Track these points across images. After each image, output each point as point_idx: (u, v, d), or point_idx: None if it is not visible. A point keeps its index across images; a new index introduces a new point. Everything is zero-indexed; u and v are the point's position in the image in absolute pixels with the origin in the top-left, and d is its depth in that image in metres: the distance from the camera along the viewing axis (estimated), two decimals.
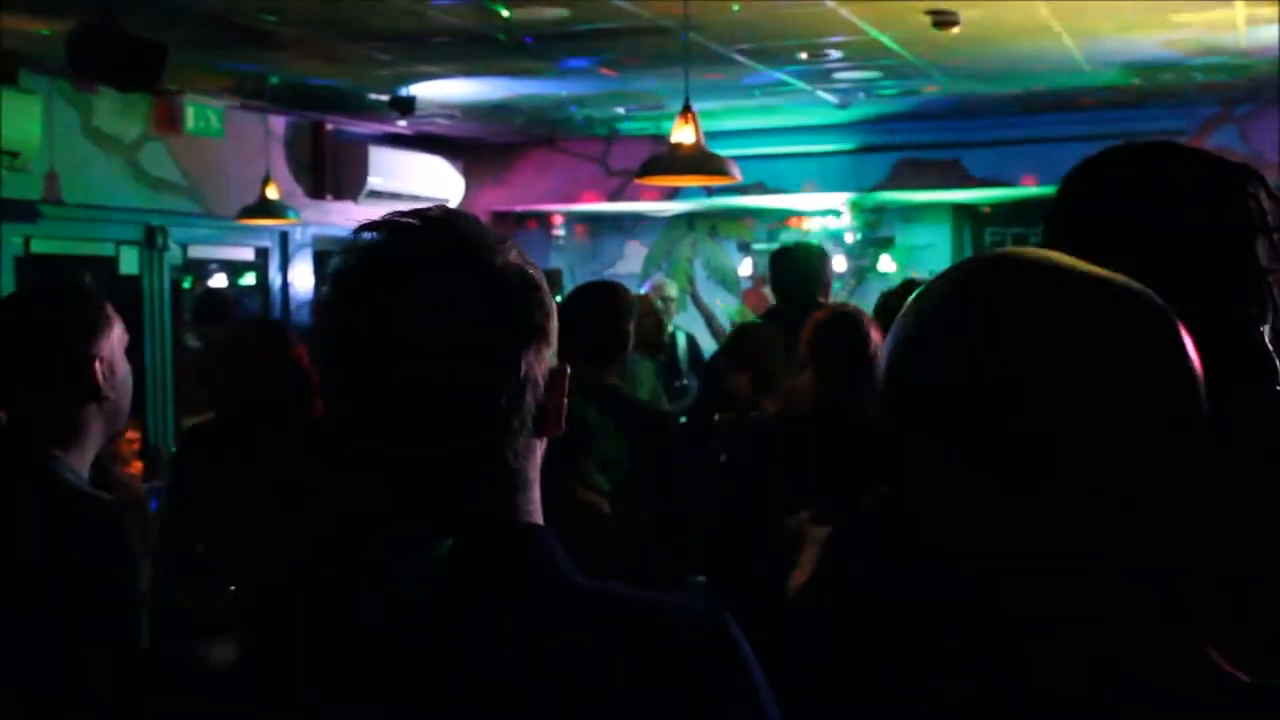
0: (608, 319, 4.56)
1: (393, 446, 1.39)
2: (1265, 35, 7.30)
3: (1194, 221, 1.76)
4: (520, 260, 1.43)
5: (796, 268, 6.36)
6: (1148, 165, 1.84)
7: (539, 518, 1.45)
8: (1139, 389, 1.09)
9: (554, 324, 1.45)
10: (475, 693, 1.33)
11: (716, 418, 5.83)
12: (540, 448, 1.46)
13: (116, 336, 2.56)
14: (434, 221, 1.45)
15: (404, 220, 1.45)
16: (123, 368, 2.58)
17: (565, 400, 1.46)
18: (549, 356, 1.44)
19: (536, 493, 1.45)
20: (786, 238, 12.67)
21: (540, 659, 1.33)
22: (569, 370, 1.47)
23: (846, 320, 4.34)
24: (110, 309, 2.59)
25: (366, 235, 1.45)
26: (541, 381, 1.42)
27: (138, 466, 6.88)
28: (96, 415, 2.53)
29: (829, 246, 12.14)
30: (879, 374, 1.18)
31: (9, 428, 2.51)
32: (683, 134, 5.74)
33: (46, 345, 2.51)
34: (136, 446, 7.35)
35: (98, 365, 2.50)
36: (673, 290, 9.67)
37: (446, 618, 1.36)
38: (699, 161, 5.82)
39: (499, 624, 1.35)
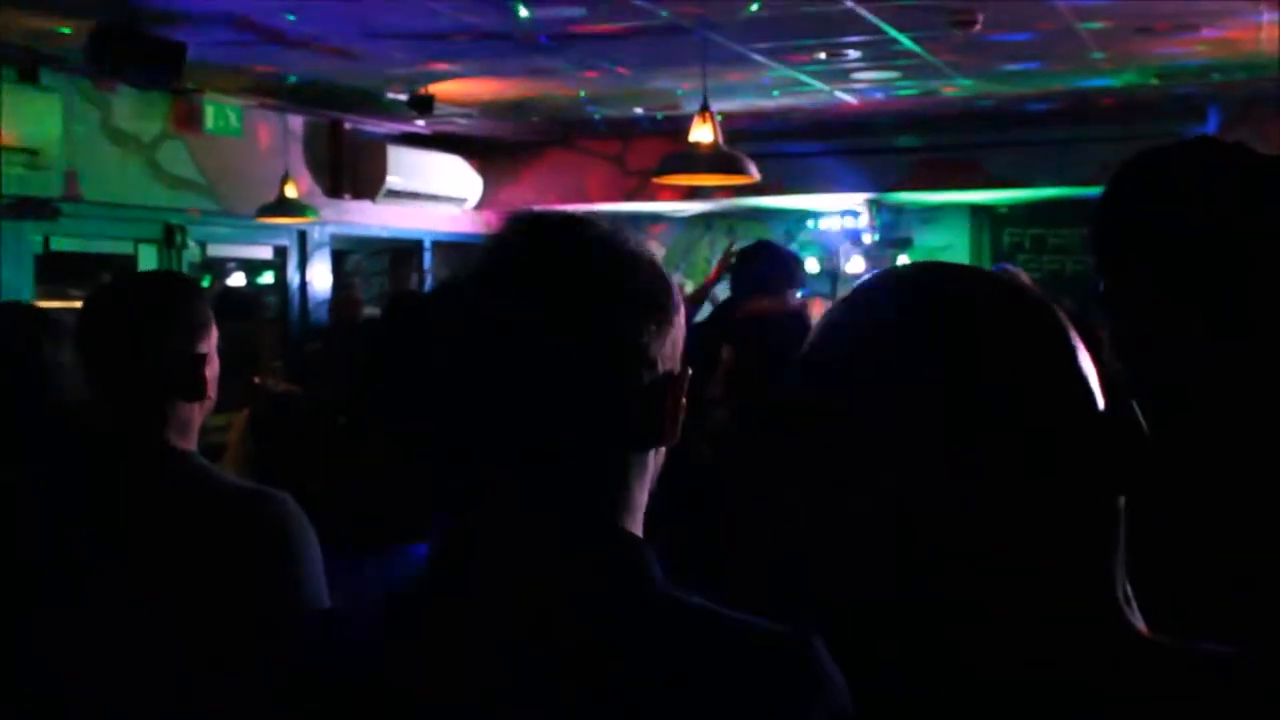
0: None
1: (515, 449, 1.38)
2: None
3: (1222, 218, 1.77)
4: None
5: (765, 266, 6.12)
6: (1192, 161, 1.85)
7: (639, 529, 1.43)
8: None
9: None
10: (547, 687, 1.32)
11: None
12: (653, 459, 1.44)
13: (215, 334, 2.53)
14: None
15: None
16: (216, 364, 2.54)
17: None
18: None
19: (643, 502, 1.44)
20: (803, 238, 12.67)
21: (623, 675, 1.31)
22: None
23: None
24: (210, 308, 2.56)
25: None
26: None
27: None
28: (199, 412, 2.51)
29: (847, 247, 12.17)
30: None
31: (126, 422, 2.47)
32: (701, 133, 5.74)
33: (160, 345, 2.45)
34: None
35: (205, 366, 2.48)
36: (690, 290, 9.65)
37: (532, 627, 1.34)
38: (717, 161, 5.82)
39: (587, 636, 1.33)
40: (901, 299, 1.21)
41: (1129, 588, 1.18)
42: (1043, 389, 1.14)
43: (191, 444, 2.50)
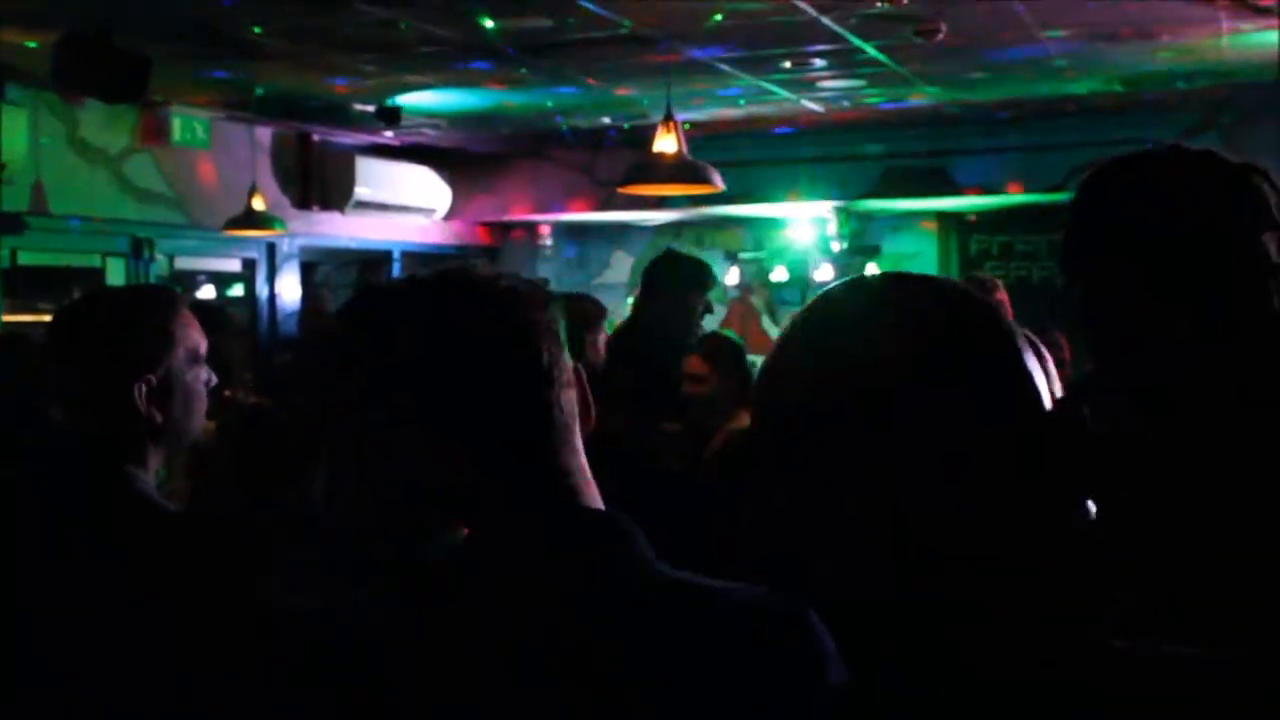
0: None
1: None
2: (1248, 44, 7.34)
3: (1207, 220, 1.79)
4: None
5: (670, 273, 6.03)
6: (1160, 168, 1.87)
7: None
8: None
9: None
10: (549, 679, 1.36)
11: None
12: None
13: (180, 354, 2.52)
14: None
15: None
16: (185, 386, 2.53)
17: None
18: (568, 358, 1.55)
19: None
20: (772, 246, 12.71)
21: (616, 648, 1.36)
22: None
23: None
24: (178, 324, 2.53)
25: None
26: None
27: None
28: (150, 441, 2.50)
29: (815, 255, 12.21)
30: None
31: (88, 443, 2.50)
32: (665, 143, 5.76)
33: (89, 371, 2.48)
34: None
35: (139, 391, 2.47)
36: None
37: (526, 604, 1.40)
38: (682, 171, 5.83)
39: (581, 612, 1.39)
40: (860, 307, 1.24)
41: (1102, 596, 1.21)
42: (993, 392, 1.16)
43: (145, 465, 2.51)
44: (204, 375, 2.57)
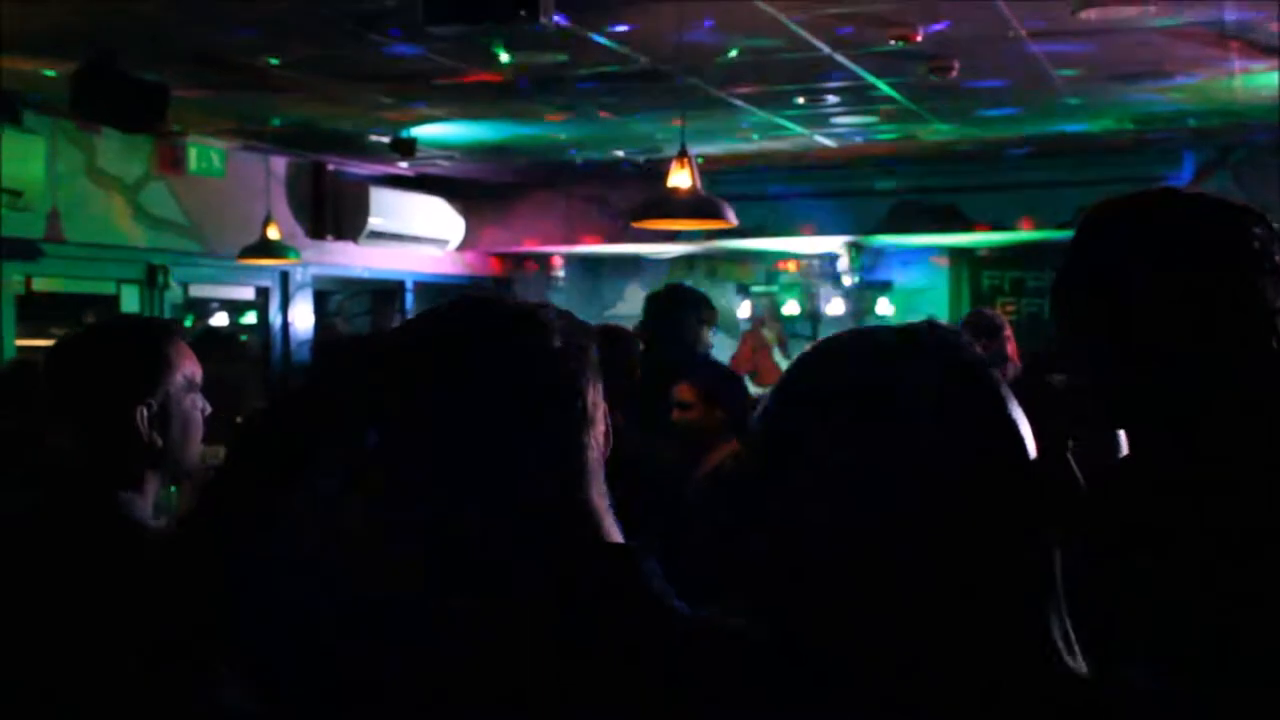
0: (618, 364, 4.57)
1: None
2: (1258, 84, 7.37)
3: (1206, 265, 1.80)
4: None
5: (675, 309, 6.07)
6: (1157, 212, 1.88)
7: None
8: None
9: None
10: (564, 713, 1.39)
11: None
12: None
13: (178, 380, 2.55)
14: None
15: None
16: (184, 412, 2.56)
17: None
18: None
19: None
20: (785, 280, 12.74)
21: (634, 683, 1.39)
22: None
23: None
24: (175, 349, 2.57)
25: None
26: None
27: None
28: (150, 466, 2.53)
29: (827, 289, 12.23)
30: None
31: (81, 469, 2.53)
32: (679, 178, 5.77)
33: (89, 396, 2.52)
34: None
35: (141, 414, 2.49)
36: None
37: (549, 640, 1.43)
38: (695, 206, 5.85)
39: (600, 648, 1.42)
40: (849, 356, 1.27)
41: (1069, 630, 1.22)
42: (974, 437, 1.19)
43: (143, 493, 2.53)
44: (200, 403, 2.60)
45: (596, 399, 1.55)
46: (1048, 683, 1.18)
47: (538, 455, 1.50)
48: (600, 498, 1.54)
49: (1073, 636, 1.22)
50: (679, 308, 5.86)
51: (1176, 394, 1.81)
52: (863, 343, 1.30)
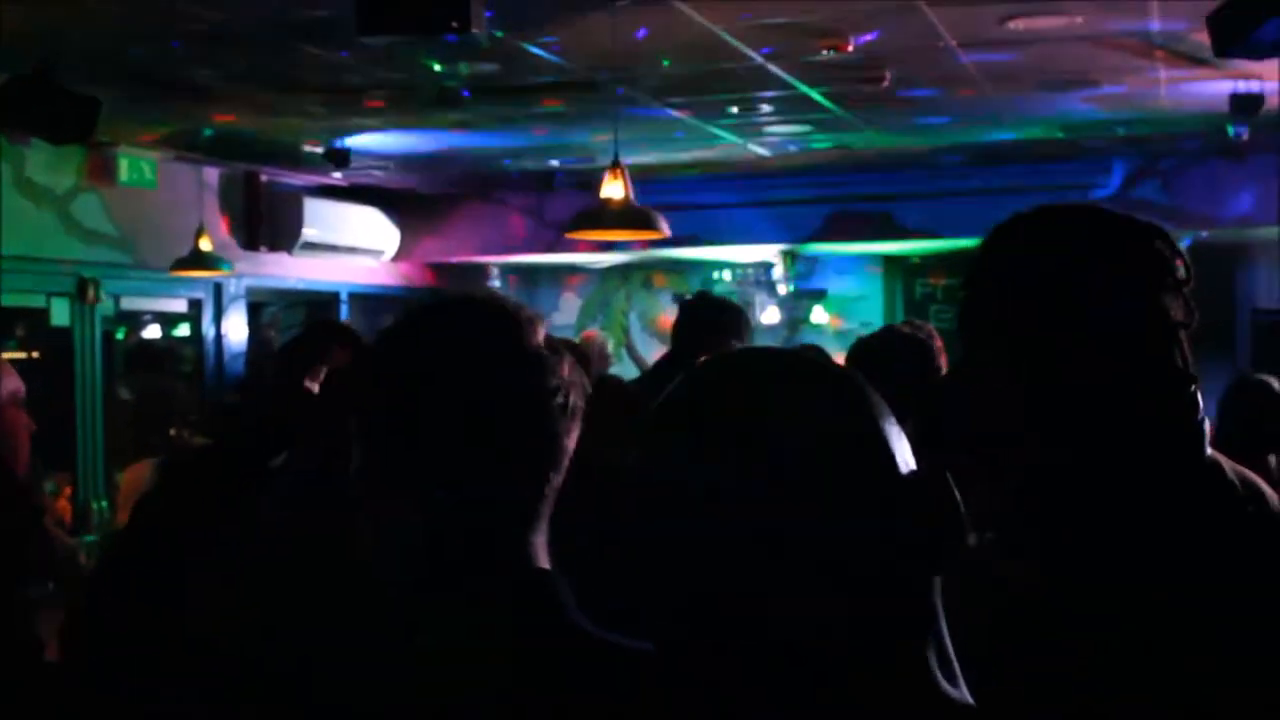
0: None
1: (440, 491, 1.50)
2: (1185, 93, 7.47)
3: (1109, 280, 1.83)
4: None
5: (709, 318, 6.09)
6: (1064, 228, 1.91)
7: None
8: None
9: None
10: None
11: None
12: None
13: (4, 396, 2.55)
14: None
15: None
16: (11, 425, 2.56)
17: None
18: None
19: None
20: (719, 289, 12.77)
21: (537, 705, 1.40)
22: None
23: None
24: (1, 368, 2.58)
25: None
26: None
27: (67, 518, 6.83)
28: None
29: (762, 297, 12.28)
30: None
31: None
32: (612, 189, 5.79)
33: None
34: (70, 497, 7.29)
35: None
36: (608, 344, 9.74)
37: (457, 668, 1.43)
38: (629, 217, 5.87)
39: (507, 675, 1.42)
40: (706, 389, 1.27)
41: (952, 660, 1.21)
42: (841, 458, 1.18)
43: None
44: (24, 419, 2.60)
45: (572, 426, 1.55)
46: (928, 712, 1.18)
47: (494, 469, 1.50)
48: (543, 526, 1.54)
49: (954, 664, 1.21)
50: (705, 325, 5.81)
51: (1076, 407, 1.83)
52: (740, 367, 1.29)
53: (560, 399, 1.51)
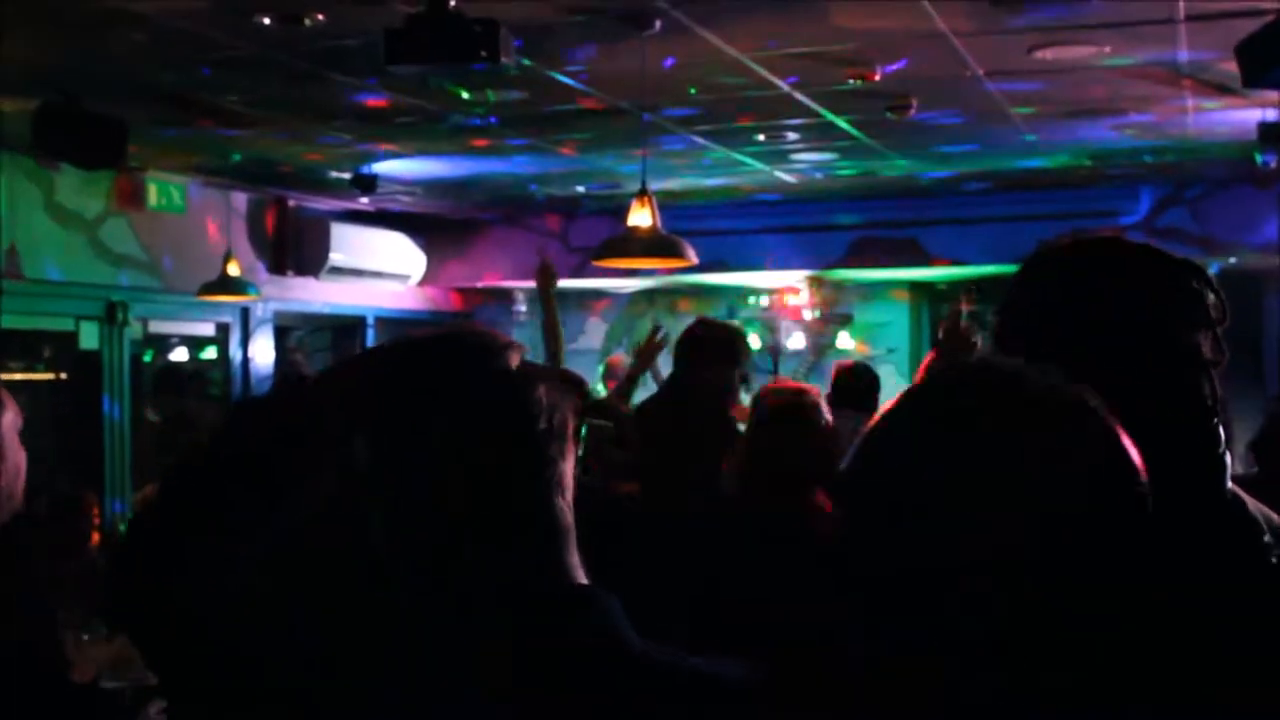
0: None
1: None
2: (1212, 120, 7.45)
3: (1141, 317, 1.82)
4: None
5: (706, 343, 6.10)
6: (1097, 260, 1.90)
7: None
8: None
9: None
10: None
11: None
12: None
13: (7, 422, 2.57)
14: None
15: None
16: (13, 454, 2.57)
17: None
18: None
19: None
20: (745, 315, 12.76)
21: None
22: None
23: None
24: (2, 395, 2.59)
25: None
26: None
27: (95, 540, 6.85)
28: None
29: (788, 324, 12.27)
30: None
31: None
32: (639, 217, 5.79)
33: None
34: (96, 521, 7.30)
35: None
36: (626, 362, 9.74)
37: (512, 687, 1.44)
38: (656, 245, 5.87)
39: (564, 696, 1.43)
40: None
41: None
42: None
43: None
44: (22, 453, 2.62)
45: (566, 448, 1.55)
46: None
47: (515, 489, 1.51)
48: (570, 539, 1.54)
49: None
50: (708, 351, 5.83)
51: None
52: None
53: (544, 423, 1.52)
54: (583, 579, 1.54)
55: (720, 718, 1.41)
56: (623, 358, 10.11)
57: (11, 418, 2.58)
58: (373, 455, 1.53)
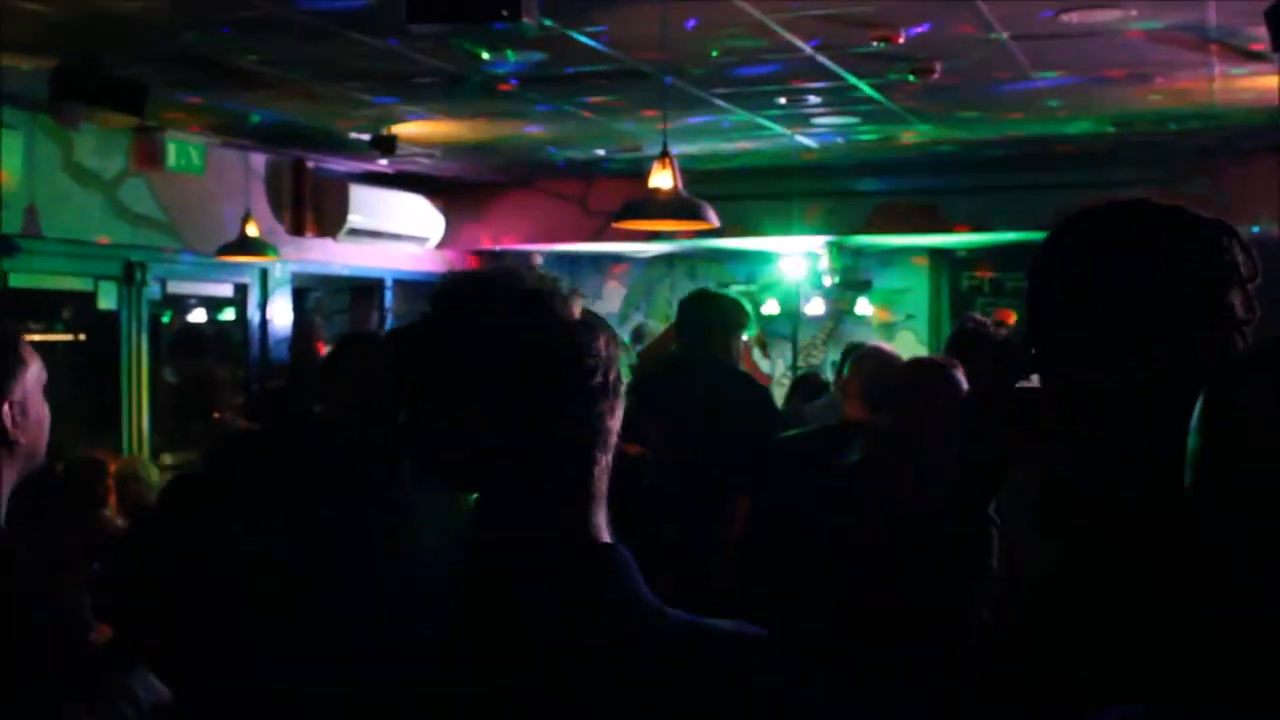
0: None
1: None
2: (1239, 87, 7.39)
3: (1173, 277, 1.81)
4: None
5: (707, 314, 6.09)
6: (1128, 222, 1.88)
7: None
8: None
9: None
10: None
11: None
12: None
13: (32, 376, 2.59)
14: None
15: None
16: (36, 409, 2.60)
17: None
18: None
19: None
20: (764, 280, 12.74)
21: (608, 681, 1.42)
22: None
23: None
24: (25, 349, 2.61)
25: None
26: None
27: (112, 500, 6.87)
28: (8, 458, 2.56)
29: (807, 289, 12.25)
30: None
31: None
32: (661, 179, 5.75)
33: None
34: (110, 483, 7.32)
35: (6, 409, 2.52)
36: (657, 329, 9.78)
37: (531, 640, 1.44)
38: (677, 207, 5.83)
39: (577, 647, 1.44)
40: None
41: None
42: None
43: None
44: (45, 409, 2.65)
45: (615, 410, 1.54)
46: None
47: (552, 450, 1.50)
48: (600, 497, 1.54)
49: None
50: (707, 320, 5.89)
51: (1143, 397, 1.81)
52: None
53: (599, 377, 1.49)
54: (608, 537, 1.53)
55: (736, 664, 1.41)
56: (643, 321, 10.12)
57: (35, 372, 2.61)
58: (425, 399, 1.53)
